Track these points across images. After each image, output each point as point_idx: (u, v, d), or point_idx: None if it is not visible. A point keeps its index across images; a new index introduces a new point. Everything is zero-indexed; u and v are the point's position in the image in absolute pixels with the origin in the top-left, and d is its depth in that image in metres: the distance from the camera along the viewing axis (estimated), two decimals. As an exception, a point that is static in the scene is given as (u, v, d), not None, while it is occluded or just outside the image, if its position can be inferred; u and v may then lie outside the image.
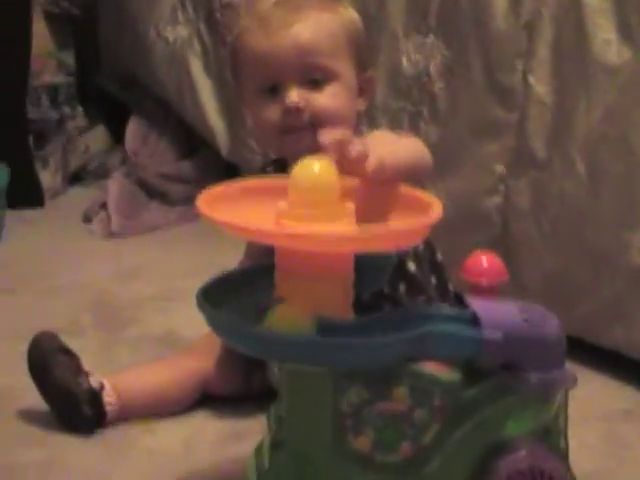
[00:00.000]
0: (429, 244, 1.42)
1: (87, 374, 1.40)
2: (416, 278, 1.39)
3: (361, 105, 1.41)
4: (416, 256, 1.40)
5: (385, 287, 1.34)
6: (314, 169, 1.06)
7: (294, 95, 1.33)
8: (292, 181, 1.07)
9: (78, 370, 1.40)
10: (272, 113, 1.35)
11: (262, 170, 1.46)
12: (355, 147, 1.07)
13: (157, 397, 1.43)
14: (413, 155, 1.19)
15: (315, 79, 1.35)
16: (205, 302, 1.07)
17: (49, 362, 1.39)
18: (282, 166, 1.41)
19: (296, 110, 1.33)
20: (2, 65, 2.45)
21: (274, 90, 1.36)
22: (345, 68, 1.37)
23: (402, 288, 1.37)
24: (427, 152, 1.25)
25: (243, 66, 1.40)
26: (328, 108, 1.35)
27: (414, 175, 1.18)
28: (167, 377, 1.44)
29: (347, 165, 1.07)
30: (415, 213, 1.08)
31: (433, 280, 1.42)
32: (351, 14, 1.42)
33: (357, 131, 1.35)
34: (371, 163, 1.07)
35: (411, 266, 1.38)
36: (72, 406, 1.37)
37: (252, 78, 1.38)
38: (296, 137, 1.35)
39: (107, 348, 1.67)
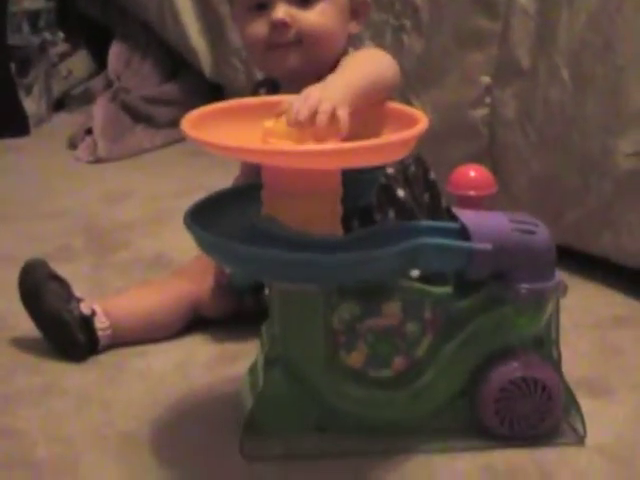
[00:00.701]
0: (422, 162, 1.42)
1: (78, 300, 1.40)
2: (406, 203, 1.38)
3: (354, 28, 1.39)
4: (406, 180, 1.40)
5: (376, 213, 1.34)
6: None
7: (281, 11, 1.32)
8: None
9: (69, 297, 1.40)
10: (259, 28, 1.34)
11: (254, 92, 1.45)
12: (300, 112, 1.06)
13: (149, 321, 1.43)
14: (369, 76, 1.17)
15: None
16: (192, 222, 1.07)
17: (40, 290, 1.39)
18: (274, 87, 1.40)
19: (282, 25, 1.32)
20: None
21: (263, 7, 1.34)
22: None
23: (391, 214, 1.37)
24: (389, 64, 1.24)
25: None
26: (315, 26, 1.33)
27: (377, 93, 1.17)
28: (158, 300, 1.44)
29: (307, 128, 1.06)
30: (402, 127, 1.08)
31: (426, 198, 1.42)
32: None
33: (345, 53, 1.34)
34: (322, 119, 1.05)
35: (400, 192, 1.38)
36: (65, 333, 1.38)
37: None
38: (281, 53, 1.33)
39: (98, 272, 1.67)
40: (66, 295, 1.40)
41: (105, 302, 1.42)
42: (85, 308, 1.39)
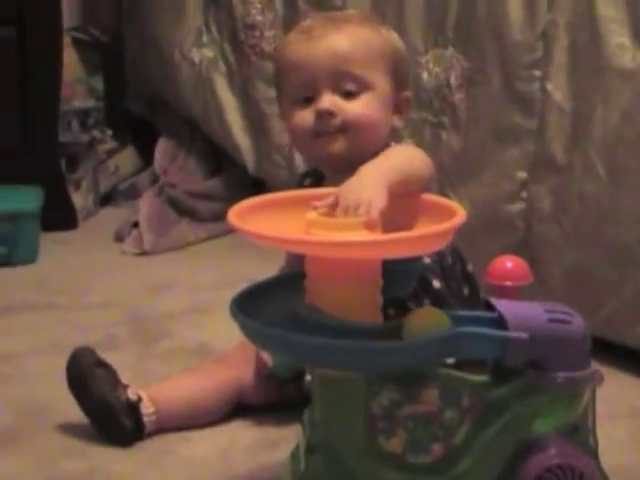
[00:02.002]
0: (459, 256, 1.44)
1: (125, 387, 1.43)
2: (440, 293, 1.41)
3: (397, 122, 1.43)
4: (443, 271, 1.42)
5: (411, 303, 1.36)
6: None
7: (326, 100, 1.36)
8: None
9: (116, 383, 1.42)
10: (305, 118, 1.38)
11: (299, 183, 1.48)
12: (341, 210, 1.12)
13: (194, 407, 1.45)
14: (403, 169, 1.22)
15: (349, 90, 1.37)
16: (238, 310, 1.10)
17: (87, 376, 1.42)
18: (319, 177, 1.44)
19: (327, 114, 1.36)
20: (35, 92, 2.50)
21: (310, 100, 1.38)
22: (380, 81, 1.39)
23: (427, 303, 1.39)
24: (422, 158, 1.29)
25: (282, 76, 1.43)
26: (359, 115, 1.37)
27: (411, 186, 1.22)
28: (204, 387, 1.46)
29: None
30: (440, 219, 1.11)
31: (466, 291, 1.44)
32: (392, 36, 1.44)
33: (387, 145, 1.38)
34: (361, 214, 1.11)
35: (436, 283, 1.40)
36: (111, 419, 1.40)
37: (289, 87, 1.41)
38: (326, 140, 1.37)
39: (142, 361, 1.70)
40: (113, 381, 1.42)
41: (151, 388, 1.45)
42: (131, 394, 1.42)
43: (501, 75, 1.78)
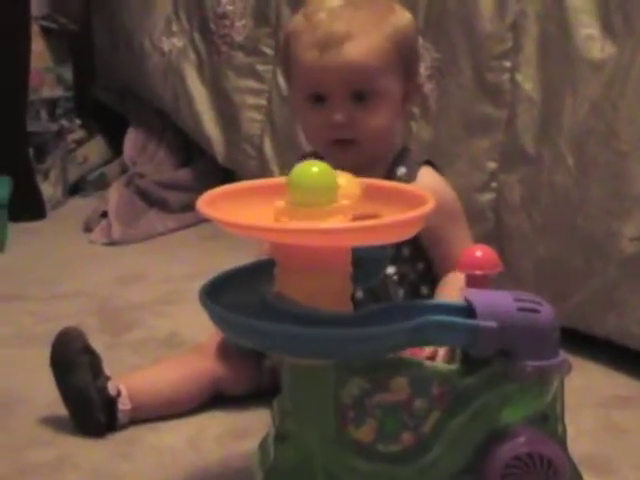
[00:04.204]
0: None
1: (106, 378, 1.41)
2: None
3: (405, 110, 1.47)
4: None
5: (381, 291, 1.39)
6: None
7: (339, 115, 1.38)
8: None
9: (99, 373, 1.40)
10: (319, 122, 1.40)
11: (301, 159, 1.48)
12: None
13: (170, 401, 1.44)
14: None
15: (362, 95, 1.39)
16: (207, 297, 1.10)
17: (72, 363, 1.39)
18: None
19: (340, 127, 1.38)
20: (2, 81, 2.48)
21: (319, 99, 1.40)
22: (393, 85, 1.41)
23: (400, 292, 1.40)
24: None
25: (293, 70, 1.44)
26: (372, 127, 1.39)
27: None
28: (180, 382, 1.45)
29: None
30: (410, 208, 1.11)
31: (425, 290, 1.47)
32: (405, 17, 1.44)
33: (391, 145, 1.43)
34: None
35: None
36: (87, 411, 1.38)
37: (301, 84, 1.42)
38: (339, 149, 1.40)
39: (111, 351, 1.67)
40: (97, 371, 1.40)
41: (129, 381, 1.43)
42: (112, 389, 1.40)
43: (471, 66, 1.79)
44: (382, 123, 1.40)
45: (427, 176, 1.45)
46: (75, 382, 1.39)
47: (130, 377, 1.45)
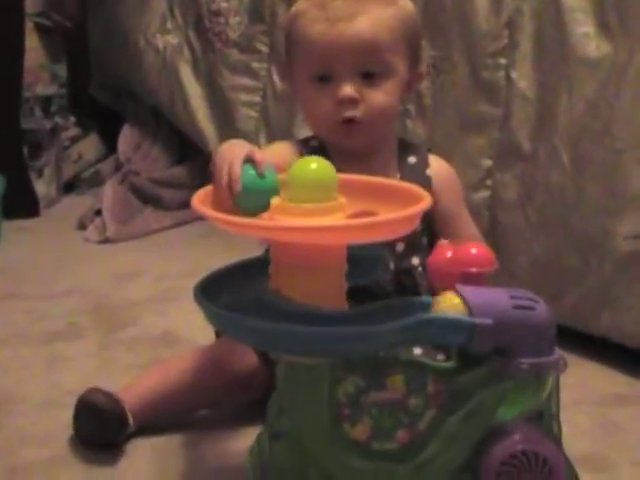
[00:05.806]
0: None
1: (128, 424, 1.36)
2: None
3: (409, 95, 1.46)
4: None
5: (376, 289, 1.36)
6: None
7: (349, 89, 1.34)
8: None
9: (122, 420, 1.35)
10: (325, 104, 1.35)
11: (304, 143, 1.44)
12: None
13: (176, 411, 1.41)
14: None
15: (370, 72, 1.35)
16: (202, 296, 1.10)
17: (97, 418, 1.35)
18: (322, 150, 1.39)
19: (350, 102, 1.34)
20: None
21: (325, 79, 1.36)
22: (401, 64, 1.37)
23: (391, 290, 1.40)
24: None
25: (298, 50, 1.39)
26: (382, 105, 1.36)
27: None
28: (190, 397, 1.40)
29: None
30: (406, 205, 1.11)
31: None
32: (409, 7, 1.41)
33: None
34: None
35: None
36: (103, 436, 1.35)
37: (306, 64, 1.37)
38: (347, 130, 1.36)
39: (106, 349, 1.68)
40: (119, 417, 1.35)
41: (133, 398, 1.37)
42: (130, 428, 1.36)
43: (467, 63, 1.79)
44: (389, 102, 1.37)
45: (438, 161, 1.44)
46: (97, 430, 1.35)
47: (135, 393, 1.38)
